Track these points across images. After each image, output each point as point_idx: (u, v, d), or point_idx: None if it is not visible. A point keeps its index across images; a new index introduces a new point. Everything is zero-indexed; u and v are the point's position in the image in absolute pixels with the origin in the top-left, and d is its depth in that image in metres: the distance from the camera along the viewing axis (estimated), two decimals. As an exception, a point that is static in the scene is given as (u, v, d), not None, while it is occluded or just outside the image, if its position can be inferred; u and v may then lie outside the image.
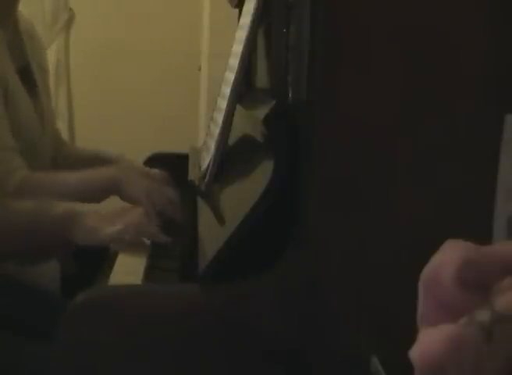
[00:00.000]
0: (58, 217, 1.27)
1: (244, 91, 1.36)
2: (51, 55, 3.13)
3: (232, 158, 1.21)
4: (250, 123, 1.17)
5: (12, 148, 1.49)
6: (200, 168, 1.31)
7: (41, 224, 1.28)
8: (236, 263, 0.96)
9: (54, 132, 1.81)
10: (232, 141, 1.22)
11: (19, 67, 1.62)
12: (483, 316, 0.42)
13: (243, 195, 1.07)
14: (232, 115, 1.16)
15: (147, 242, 1.35)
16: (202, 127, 2.94)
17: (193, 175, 1.37)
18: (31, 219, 1.29)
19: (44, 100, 1.70)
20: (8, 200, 1.31)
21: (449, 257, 0.46)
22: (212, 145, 1.22)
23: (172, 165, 1.74)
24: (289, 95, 1.05)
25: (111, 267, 1.25)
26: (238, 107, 1.19)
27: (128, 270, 1.22)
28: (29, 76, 1.66)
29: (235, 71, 1.15)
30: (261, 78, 1.43)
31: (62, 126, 3.13)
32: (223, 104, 1.20)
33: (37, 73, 1.69)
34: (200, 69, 3.03)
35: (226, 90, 1.21)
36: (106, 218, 1.27)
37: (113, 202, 1.48)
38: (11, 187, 1.41)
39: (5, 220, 1.30)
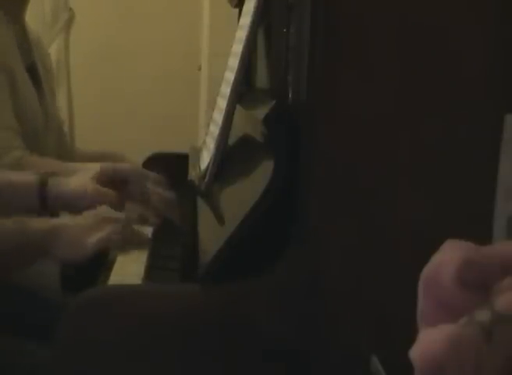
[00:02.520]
0: (38, 235, 1.22)
1: (244, 91, 1.36)
2: (51, 55, 3.12)
3: (232, 158, 1.21)
4: (250, 123, 1.17)
5: (14, 128, 1.50)
6: (200, 168, 1.31)
7: (21, 245, 1.25)
8: (236, 263, 0.96)
9: (60, 137, 1.81)
10: (232, 141, 1.22)
11: (26, 65, 1.64)
12: (483, 316, 0.42)
13: (243, 195, 1.07)
14: (232, 115, 1.16)
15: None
16: (202, 127, 2.94)
17: (193, 175, 1.37)
18: (10, 241, 1.25)
19: (49, 99, 1.71)
20: None
21: (449, 257, 0.46)
22: (212, 145, 1.22)
23: (172, 165, 1.74)
24: (289, 95, 1.05)
25: (111, 267, 1.25)
26: (238, 107, 1.19)
27: (128, 270, 1.22)
28: (35, 74, 1.67)
29: (235, 71, 1.15)
30: (261, 78, 1.43)
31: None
32: (223, 104, 1.20)
33: (43, 75, 1.71)
34: (200, 69, 3.03)
35: (226, 90, 1.21)
36: (87, 228, 1.25)
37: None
38: (5, 164, 1.40)
39: None
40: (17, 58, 1.59)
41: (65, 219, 1.28)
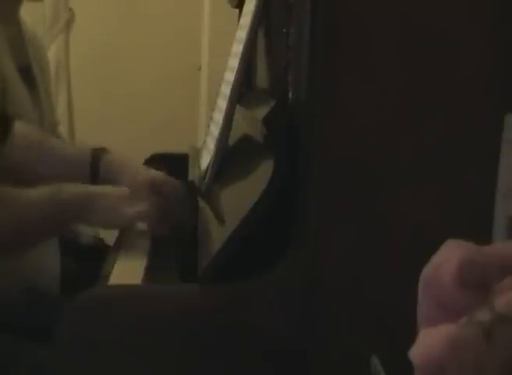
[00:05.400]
0: (72, 199, 1.21)
1: (244, 91, 1.36)
2: (51, 56, 3.12)
3: (232, 158, 1.21)
4: (250, 123, 1.17)
5: None
6: (200, 168, 1.31)
7: (54, 212, 1.21)
8: (237, 263, 0.96)
9: (55, 136, 1.80)
10: (232, 141, 1.22)
11: (20, 66, 1.62)
12: (483, 316, 0.42)
13: (243, 195, 1.07)
14: (233, 115, 1.16)
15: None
16: (202, 127, 2.94)
17: (193, 175, 1.37)
18: (44, 207, 1.22)
19: (45, 102, 1.70)
20: (15, 190, 1.25)
21: (449, 257, 0.46)
22: (212, 145, 1.22)
23: (172, 165, 1.74)
24: (289, 95, 1.05)
25: (111, 267, 1.24)
26: (238, 107, 1.19)
27: (128, 270, 1.22)
28: (30, 76, 1.65)
29: (235, 71, 1.15)
30: (261, 78, 1.43)
31: (61, 126, 3.13)
32: (223, 104, 1.20)
33: (38, 77, 1.69)
34: (200, 69, 3.03)
35: (226, 90, 1.21)
36: (127, 197, 1.22)
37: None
38: None
39: (16, 214, 1.22)
40: (7, 60, 1.57)
41: (105, 187, 1.26)
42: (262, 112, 1.04)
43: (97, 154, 1.35)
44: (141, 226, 1.34)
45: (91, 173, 1.33)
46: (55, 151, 1.38)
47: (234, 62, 1.19)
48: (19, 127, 1.34)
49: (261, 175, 1.01)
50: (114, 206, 1.21)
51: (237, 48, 1.20)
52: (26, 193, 1.24)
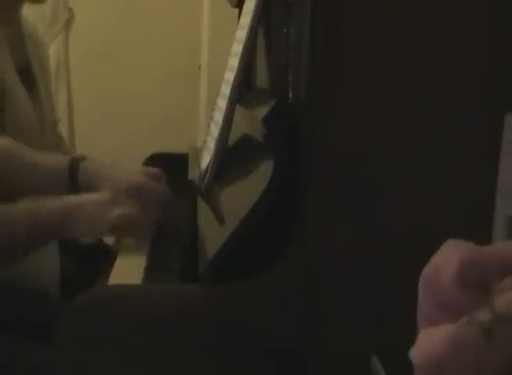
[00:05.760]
0: (50, 216, 1.20)
1: (244, 90, 1.36)
2: (51, 55, 3.13)
3: (232, 158, 1.21)
4: (250, 123, 1.17)
5: None
6: (200, 168, 1.31)
7: (33, 228, 1.23)
8: (237, 263, 0.96)
9: (55, 137, 1.80)
10: (232, 141, 1.22)
11: (19, 67, 1.61)
12: (483, 316, 0.42)
13: (243, 195, 1.07)
14: (232, 115, 1.16)
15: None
16: (202, 127, 2.94)
17: (193, 175, 1.37)
18: (22, 223, 1.23)
19: (45, 102, 1.70)
20: None
21: (449, 257, 0.46)
22: (212, 145, 1.22)
23: (172, 165, 1.74)
24: (289, 95, 1.05)
25: (111, 267, 1.25)
26: (238, 107, 1.19)
27: (128, 270, 1.22)
28: (29, 76, 1.65)
29: (235, 71, 1.15)
30: (261, 78, 1.43)
31: (61, 126, 3.13)
32: (223, 104, 1.20)
33: (38, 75, 1.69)
34: (200, 69, 3.03)
35: (226, 90, 1.21)
36: (105, 202, 1.21)
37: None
38: None
39: None
40: (6, 61, 1.56)
41: (79, 196, 1.26)
42: (262, 112, 1.04)
43: (75, 163, 1.33)
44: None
45: (71, 182, 1.32)
46: (35, 165, 1.36)
47: (234, 62, 1.19)
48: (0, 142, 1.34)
49: (261, 175, 1.01)
50: (94, 214, 1.20)
51: (237, 48, 1.20)
52: (5, 211, 1.23)
